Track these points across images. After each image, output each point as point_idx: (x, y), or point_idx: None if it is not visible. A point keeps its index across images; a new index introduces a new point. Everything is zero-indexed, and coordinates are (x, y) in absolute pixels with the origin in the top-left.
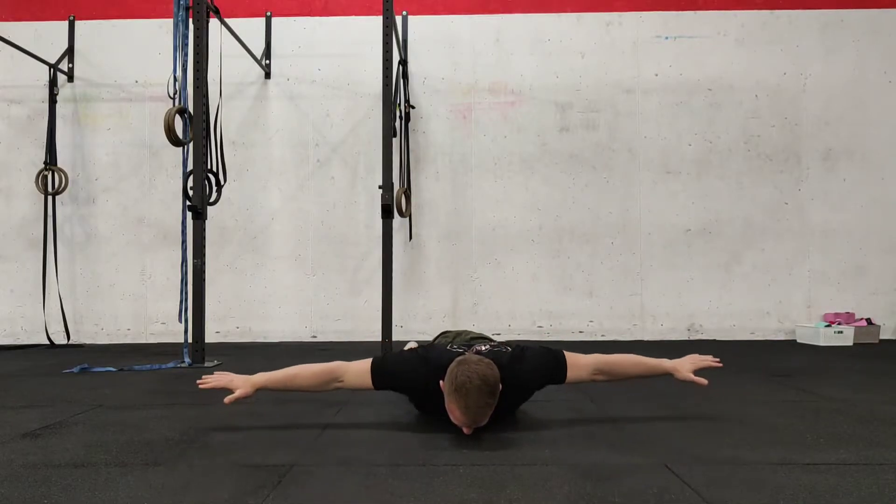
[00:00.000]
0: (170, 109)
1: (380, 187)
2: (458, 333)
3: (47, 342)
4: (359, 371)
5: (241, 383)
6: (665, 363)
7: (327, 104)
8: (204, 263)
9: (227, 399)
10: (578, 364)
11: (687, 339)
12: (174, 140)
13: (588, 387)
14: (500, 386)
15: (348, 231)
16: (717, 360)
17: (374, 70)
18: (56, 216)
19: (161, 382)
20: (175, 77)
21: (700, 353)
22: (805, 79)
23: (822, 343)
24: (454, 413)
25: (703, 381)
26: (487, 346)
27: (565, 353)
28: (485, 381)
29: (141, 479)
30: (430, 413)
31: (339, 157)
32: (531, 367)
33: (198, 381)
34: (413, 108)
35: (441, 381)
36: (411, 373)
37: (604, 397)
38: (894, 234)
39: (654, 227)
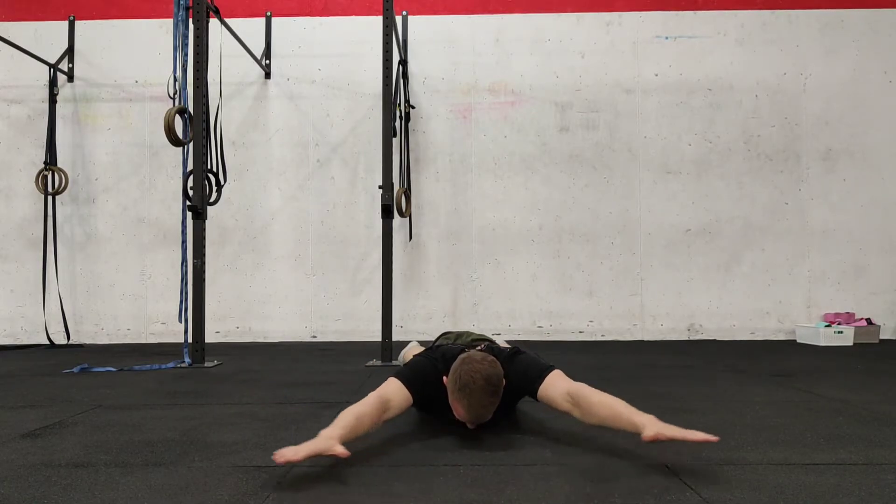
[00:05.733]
0: (170, 109)
1: (380, 187)
2: (460, 335)
3: (47, 342)
4: (395, 390)
5: (325, 443)
6: (637, 420)
7: (327, 104)
8: (204, 263)
9: (339, 453)
10: (555, 385)
11: (687, 339)
12: (174, 140)
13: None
14: (504, 382)
15: (348, 231)
16: (713, 437)
17: (374, 70)
18: (56, 216)
19: (161, 382)
20: (175, 77)
21: (700, 354)
22: (805, 79)
23: (822, 343)
24: (458, 410)
25: (666, 437)
26: (486, 344)
27: (556, 372)
28: (488, 380)
29: (141, 479)
30: (435, 412)
31: (339, 157)
32: (516, 370)
33: (278, 459)
34: (413, 108)
35: (444, 377)
36: (433, 372)
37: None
38: (894, 234)
39: (654, 227)
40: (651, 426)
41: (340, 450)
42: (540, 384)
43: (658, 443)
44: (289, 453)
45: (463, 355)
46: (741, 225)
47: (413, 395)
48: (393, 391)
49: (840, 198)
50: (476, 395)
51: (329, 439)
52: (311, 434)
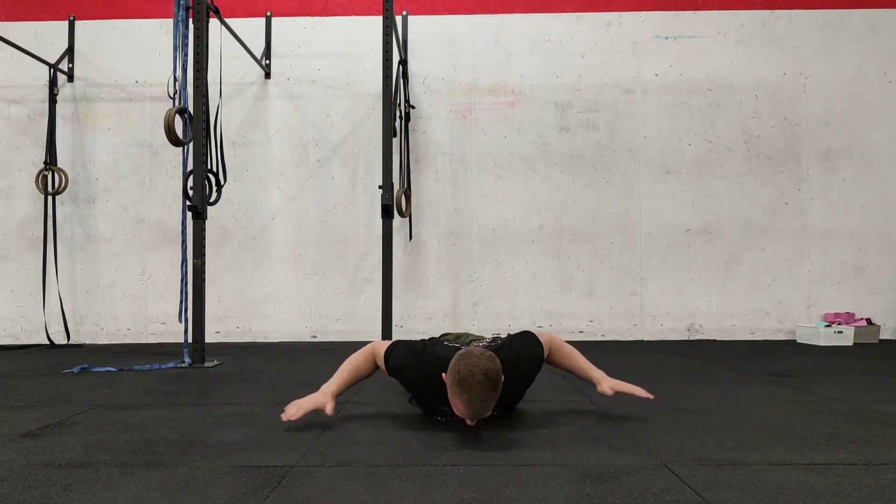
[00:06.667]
0: (170, 109)
1: (380, 187)
2: (459, 336)
3: (47, 342)
4: (380, 356)
5: (322, 399)
6: (593, 372)
7: (327, 104)
8: (204, 263)
9: (328, 411)
10: (543, 339)
11: (687, 339)
12: (174, 140)
13: (588, 388)
14: (503, 378)
15: (348, 231)
16: (650, 395)
17: (374, 70)
18: (56, 216)
19: (161, 382)
20: (175, 77)
21: (700, 354)
22: (805, 79)
23: (822, 343)
24: (457, 406)
25: (610, 392)
26: (486, 342)
27: (536, 332)
28: (487, 375)
29: (141, 479)
30: (431, 405)
31: (339, 157)
32: (529, 354)
33: (285, 418)
34: (413, 108)
35: (443, 374)
36: (411, 370)
37: (604, 397)
38: (894, 234)
39: (654, 227)
40: (604, 381)
41: (329, 408)
42: (544, 349)
43: (612, 396)
44: (291, 410)
45: (461, 351)
46: (741, 225)
47: (388, 371)
48: (379, 354)
49: (840, 198)
50: (475, 389)
51: (325, 395)
52: (312, 433)
